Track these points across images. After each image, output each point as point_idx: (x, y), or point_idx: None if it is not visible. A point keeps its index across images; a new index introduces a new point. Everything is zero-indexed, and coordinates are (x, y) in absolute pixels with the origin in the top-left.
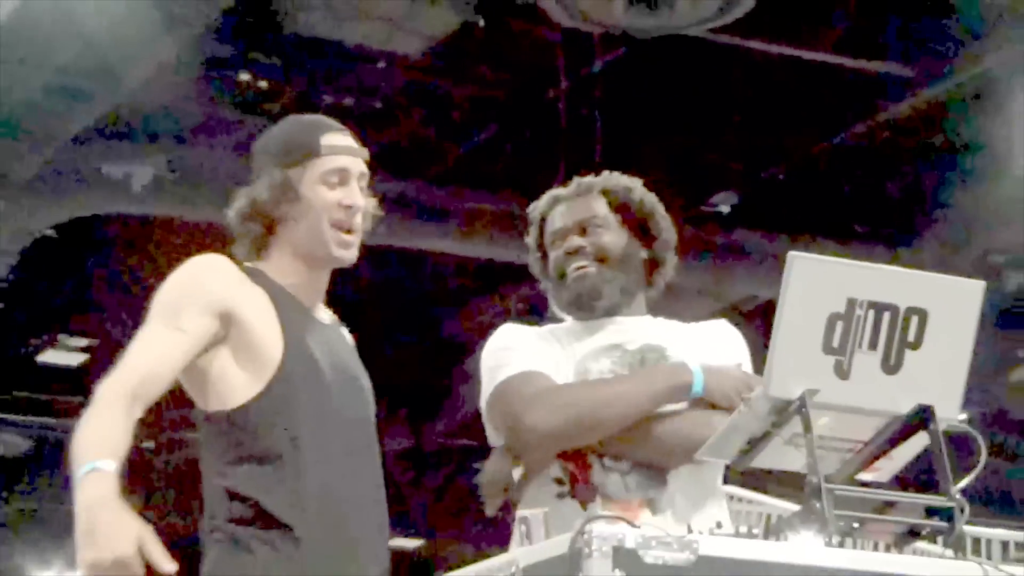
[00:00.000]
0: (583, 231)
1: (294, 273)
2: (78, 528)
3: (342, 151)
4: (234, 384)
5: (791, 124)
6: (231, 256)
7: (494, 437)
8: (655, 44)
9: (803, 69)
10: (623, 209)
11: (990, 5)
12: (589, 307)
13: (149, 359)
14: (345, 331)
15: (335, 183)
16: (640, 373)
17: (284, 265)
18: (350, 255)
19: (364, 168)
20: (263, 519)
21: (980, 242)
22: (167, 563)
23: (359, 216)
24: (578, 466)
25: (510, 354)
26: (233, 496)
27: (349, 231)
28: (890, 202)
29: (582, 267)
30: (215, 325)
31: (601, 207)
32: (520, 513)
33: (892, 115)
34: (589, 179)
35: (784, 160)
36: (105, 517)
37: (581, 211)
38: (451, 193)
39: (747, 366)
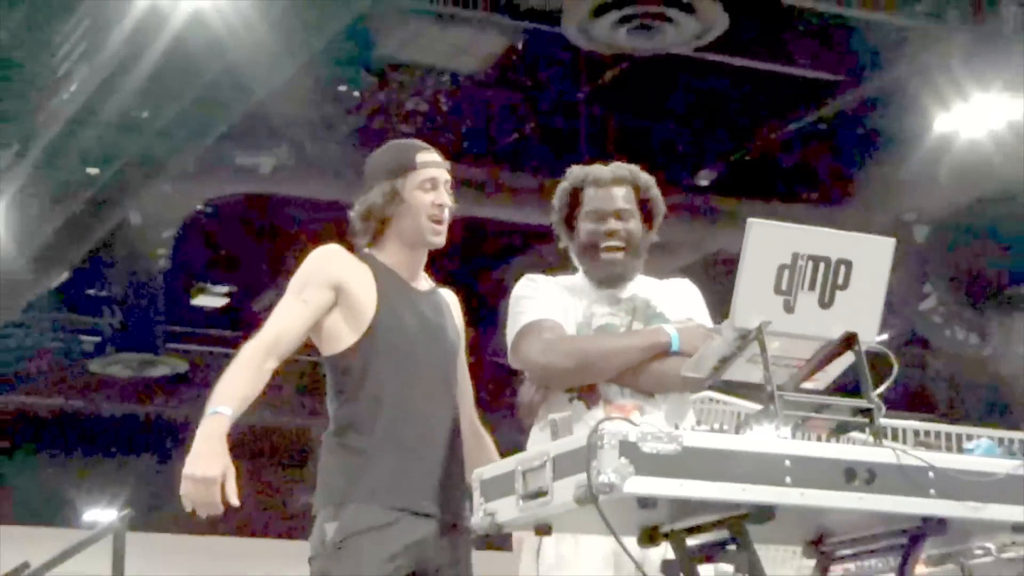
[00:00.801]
0: (619, 216)
1: (398, 255)
2: (192, 449)
3: (431, 165)
4: (339, 336)
5: (755, 117)
6: (348, 242)
7: (519, 367)
8: (651, 60)
9: (764, 76)
10: (644, 202)
11: (899, 28)
12: (614, 284)
13: (281, 325)
14: (445, 294)
15: (428, 188)
16: (633, 333)
17: (391, 250)
18: (441, 240)
19: (447, 176)
20: (350, 431)
21: (894, 205)
22: (234, 497)
23: (447, 211)
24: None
25: (529, 303)
26: (334, 416)
27: (439, 222)
28: (826, 175)
29: (615, 248)
30: (331, 295)
31: (632, 198)
32: (551, 416)
33: (828, 110)
34: (624, 170)
35: (750, 144)
36: (209, 447)
37: (619, 200)
38: (497, 172)
39: (702, 313)
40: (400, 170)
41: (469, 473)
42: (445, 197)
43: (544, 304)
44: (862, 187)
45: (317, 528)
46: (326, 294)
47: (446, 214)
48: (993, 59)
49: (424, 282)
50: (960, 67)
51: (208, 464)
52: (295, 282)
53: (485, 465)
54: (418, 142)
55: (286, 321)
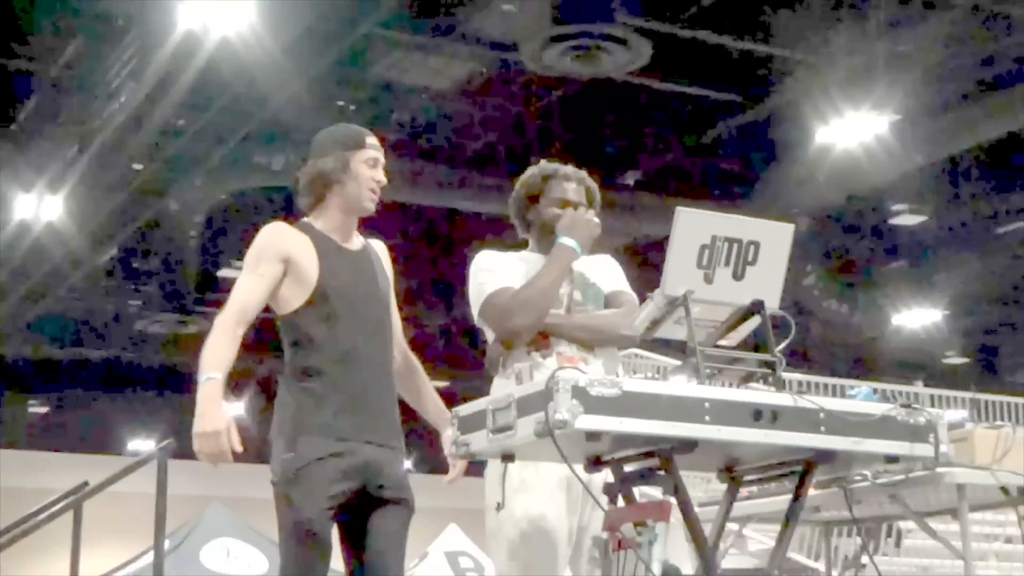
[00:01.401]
0: (575, 207)
1: (335, 220)
2: (196, 412)
3: (375, 148)
4: (290, 299)
5: (673, 129)
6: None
7: (486, 330)
8: (590, 82)
9: (680, 96)
10: (589, 197)
11: (790, 60)
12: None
13: (244, 296)
14: (375, 246)
15: (371, 165)
16: (546, 267)
17: (329, 216)
18: (373, 208)
19: (383, 160)
20: (299, 376)
21: (783, 201)
22: (237, 444)
23: (380, 188)
24: (540, 336)
25: (490, 274)
26: (289, 363)
27: (375, 193)
28: (729, 176)
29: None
30: (281, 267)
31: (582, 192)
32: (515, 365)
33: (732, 124)
34: (579, 172)
35: (668, 151)
36: (211, 407)
37: (577, 193)
38: (464, 171)
39: (621, 278)
40: (352, 145)
41: (402, 396)
42: (382, 175)
43: (503, 275)
44: (758, 187)
45: (275, 458)
46: (277, 266)
47: (378, 190)
48: (863, 85)
49: (356, 241)
50: (837, 91)
51: (213, 420)
52: (250, 258)
53: (419, 385)
54: (364, 129)
55: (247, 293)
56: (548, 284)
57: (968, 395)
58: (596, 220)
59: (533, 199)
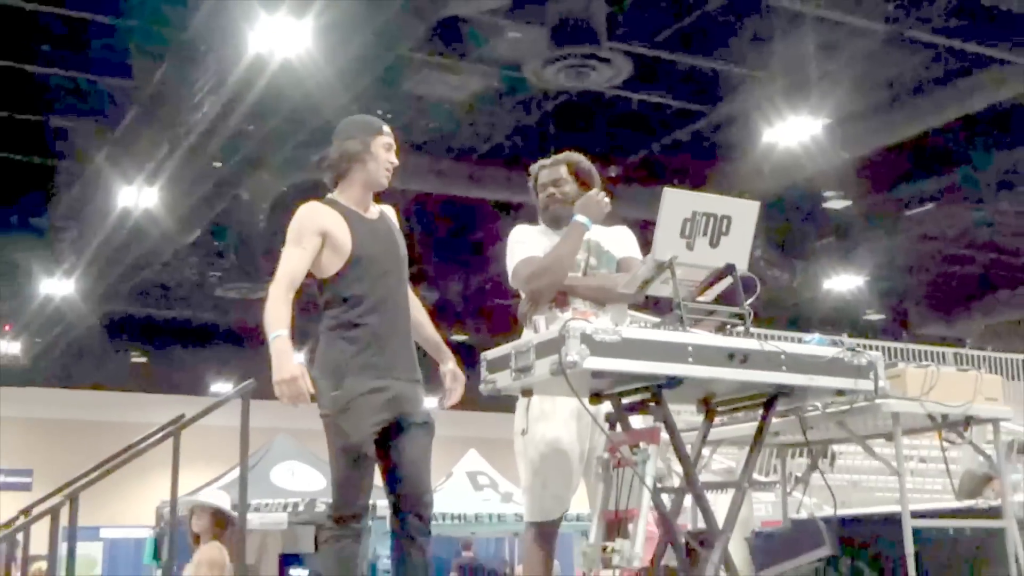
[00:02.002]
0: (556, 184)
1: (357, 195)
2: (273, 366)
3: (390, 135)
4: (327, 265)
5: (646, 132)
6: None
7: (517, 288)
8: (580, 94)
9: (653, 105)
10: (577, 174)
11: (739, 75)
12: (559, 226)
13: (291, 266)
14: (387, 211)
15: (387, 149)
16: (563, 240)
17: (351, 192)
18: (387, 184)
19: (395, 145)
20: (340, 327)
21: (735, 189)
22: (310, 386)
23: (393, 168)
24: (560, 295)
25: (520, 246)
26: (328, 316)
27: (389, 172)
28: (691, 169)
29: (555, 201)
30: (319, 239)
31: (566, 172)
32: (534, 318)
33: (694, 127)
34: (562, 156)
35: (644, 149)
36: (285, 359)
37: (554, 174)
38: (478, 167)
39: (634, 246)
40: (372, 131)
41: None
42: (395, 158)
43: (530, 246)
44: (715, 177)
45: (324, 395)
46: (316, 239)
47: (392, 169)
48: (800, 95)
49: (373, 210)
50: (779, 100)
51: (289, 369)
52: (292, 233)
53: (421, 320)
54: (380, 119)
55: (293, 263)
56: (564, 254)
57: (885, 344)
58: (607, 199)
59: (535, 186)
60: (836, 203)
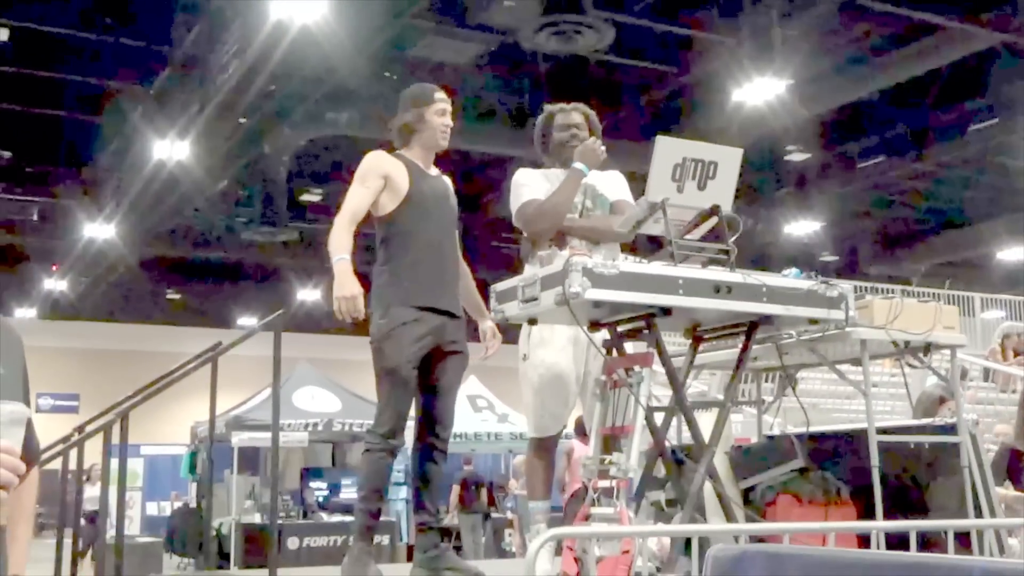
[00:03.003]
0: (575, 127)
1: (419, 154)
2: (335, 284)
3: (443, 100)
4: (386, 204)
5: (627, 92)
6: (389, 147)
7: (520, 226)
8: (568, 57)
9: (632, 68)
10: (588, 120)
11: (710, 40)
12: (566, 165)
13: (355, 202)
14: (445, 178)
15: (441, 114)
16: (563, 185)
17: (415, 152)
18: (446, 144)
19: (450, 108)
20: (391, 263)
21: (707, 141)
22: (362, 309)
23: (449, 129)
24: (558, 234)
25: (523, 188)
26: (382, 253)
27: (445, 134)
28: (665, 127)
29: (577, 141)
30: (381, 182)
31: (582, 120)
32: (539, 254)
33: (667, 88)
34: (575, 104)
35: (626, 107)
36: (347, 278)
37: (572, 119)
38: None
39: (626, 189)
40: (425, 101)
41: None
42: (449, 120)
43: (533, 189)
44: (688, 133)
45: (373, 323)
46: (379, 181)
47: (448, 131)
48: (765, 59)
49: (433, 170)
50: (747, 62)
51: (351, 287)
52: (360, 174)
53: (467, 284)
54: (433, 86)
55: (357, 199)
56: (562, 199)
57: (841, 282)
58: (602, 147)
59: (548, 130)
60: (796, 156)
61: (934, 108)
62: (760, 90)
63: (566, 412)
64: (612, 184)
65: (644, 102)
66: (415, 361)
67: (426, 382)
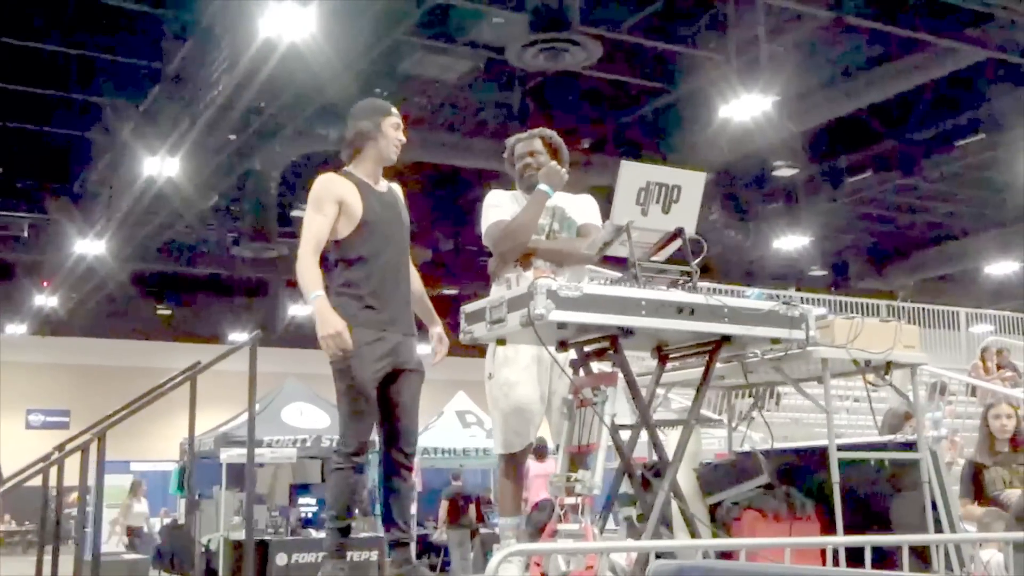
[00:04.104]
0: (532, 155)
1: (369, 169)
2: (317, 323)
3: (397, 115)
4: (341, 230)
5: (614, 108)
6: (338, 167)
7: (489, 246)
8: (557, 74)
9: (620, 84)
10: (549, 146)
11: (697, 57)
12: (531, 191)
13: (315, 231)
14: (394, 187)
15: (396, 127)
16: (528, 206)
17: (364, 166)
18: (396, 159)
19: (403, 124)
20: (349, 285)
21: (694, 159)
22: (350, 341)
23: (401, 145)
24: (525, 255)
25: (493, 209)
26: (339, 273)
27: (398, 148)
28: (654, 142)
29: (532, 169)
30: (336, 207)
31: (539, 144)
32: (506, 275)
33: (656, 104)
34: (536, 131)
35: (613, 122)
36: (327, 316)
37: (530, 146)
38: (466, 139)
39: (595, 214)
40: (381, 113)
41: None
42: (403, 135)
43: (502, 210)
44: (676, 148)
45: None
46: (334, 207)
47: (400, 146)
48: (752, 75)
49: (382, 184)
50: (733, 79)
51: (333, 324)
52: (313, 200)
53: (418, 288)
54: (387, 102)
55: (316, 227)
56: (527, 219)
57: (828, 296)
58: (564, 171)
59: (511, 157)
60: (784, 171)
61: (921, 123)
62: (747, 106)
63: (531, 429)
64: (581, 208)
65: (632, 118)
66: (377, 380)
67: (387, 400)
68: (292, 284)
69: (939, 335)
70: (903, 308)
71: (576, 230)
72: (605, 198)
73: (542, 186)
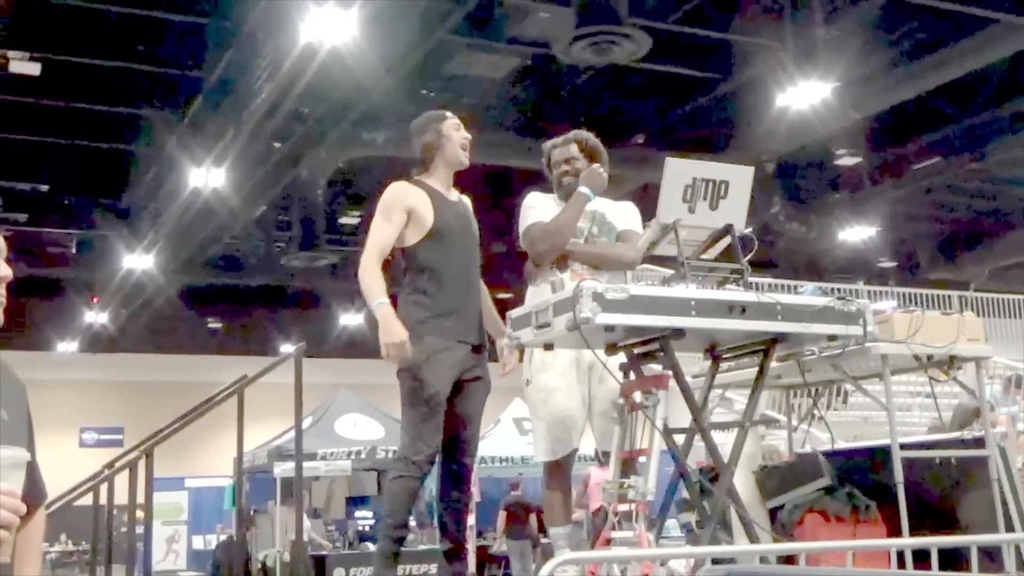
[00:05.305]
0: (568, 162)
1: (440, 177)
2: (380, 330)
3: (455, 118)
4: (410, 237)
5: (668, 101)
6: (409, 176)
7: (526, 249)
8: (606, 68)
9: (673, 76)
10: (585, 150)
11: (754, 45)
12: (569, 198)
13: (380, 239)
14: (465, 199)
15: (457, 129)
16: (566, 209)
17: (436, 175)
18: (467, 161)
19: (462, 125)
20: (419, 294)
21: (754, 150)
22: (411, 351)
23: (469, 144)
24: (562, 257)
25: (531, 211)
26: (409, 282)
27: (465, 149)
28: (711, 134)
29: (568, 175)
30: (405, 215)
31: (576, 150)
32: (551, 278)
33: (712, 94)
34: (572, 135)
35: (667, 117)
36: (391, 324)
37: (566, 153)
38: (515, 138)
39: (636, 221)
40: (439, 119)
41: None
42: (467, 134)
43: (540, 211)
44: (734, 141)
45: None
46: (403, 215)
47: (468, 144)
48: (810, 61)
49: (454, 194)
50: (791, 66)
51: (397, 333)
52: (383, 208)
53: (486, 302)
54: (441, 110)
55: (382, 235)
56: (565, 221)
57: (896, 289)
58: (605, 174)
59: (548, 163)
60: (847, 160)
61: (990, 105)
62: (806, 94)
63: (574, 435)
64: (622, 214)
65: (685, 111)
66: (448, 389)
67: (452, 410)
68: (343, 293)
69: (1017, 325)
70: (976, 299)
71: (616, 235)
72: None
73: (583, 189)
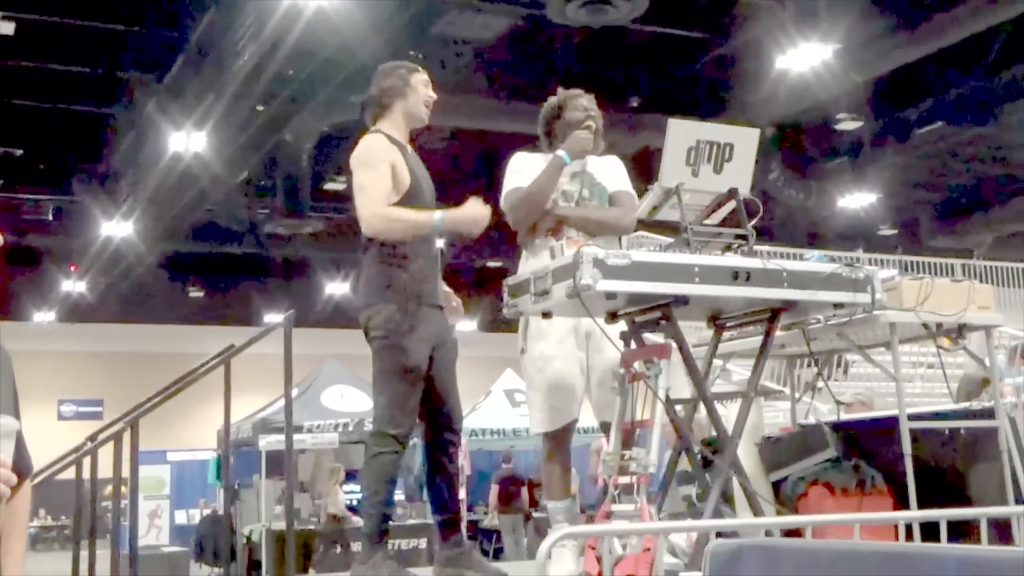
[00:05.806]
0: (590, 117)
1: (399, 129)
2: (463, 224)
3: (425, 74)
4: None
5: (665, 63)
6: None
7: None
8: (601, 29)
9: (669, 37)
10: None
11: (752, 5)
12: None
13: (380, 187)
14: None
15: (425, 85)
16: (542, 173)
17: (395, 125)
18: (427, 119)
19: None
20: (394, 256)
21: (752, 114)
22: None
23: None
24: (557, 223)
25: (514, 175)
26: (380, 246)
27: (428, 107)
28: (708, 97)
29: (590, 132)
30: (388, 167)
31: (592, 103)
32: (551, 243)
33: (709, 56)
34: (572, 92)
35: (663, 79)
36: (465, 212)
37: (592, 105)
38: (505, 102)
39: (624, 176)
40: (411, 70)
41: None
42: (433, 93)
43: (524, 175)
44: (731, 104)
45: (384, 316)
46: (387, 166)
47: (431, 104)
48: (811, 22)
49: (411, 150)
50: (791, 28)
51: (474, 210)
52: (367, 159)
53: None
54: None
55: (380, 184)
56: (540, 186)
57: (897, 257)
58: (588, 136)
59: (557, 113)
60: (848, 124)
61: (994, 69)
62: (806, 56)
63: (573, 405)
64: (610, 172)
65: (683, 73)
66: (427, 360)
67: (431, 378)
68: (330, 261)
69: (1020, 295)
70: (979, 267)
71: (608, 197)
72: (657, 159)
73: (560, 152)
